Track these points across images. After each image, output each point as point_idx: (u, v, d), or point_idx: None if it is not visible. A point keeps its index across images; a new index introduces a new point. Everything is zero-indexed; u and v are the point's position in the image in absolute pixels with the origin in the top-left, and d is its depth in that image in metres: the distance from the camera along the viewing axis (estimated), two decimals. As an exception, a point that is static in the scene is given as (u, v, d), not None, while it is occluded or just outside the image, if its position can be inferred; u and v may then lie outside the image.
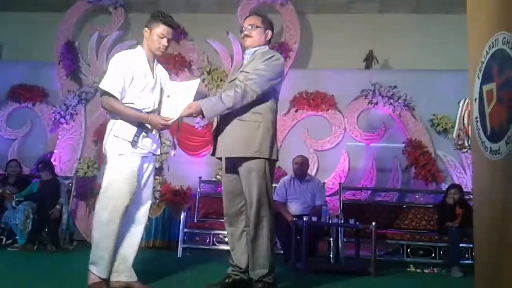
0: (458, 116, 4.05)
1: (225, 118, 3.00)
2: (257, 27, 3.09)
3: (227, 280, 3.04)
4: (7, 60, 7.33)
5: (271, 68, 2.98)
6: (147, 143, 2.99)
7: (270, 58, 3.00)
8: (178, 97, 2.99)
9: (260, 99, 2.96)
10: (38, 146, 6.84)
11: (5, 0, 7.32)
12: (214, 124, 3.14)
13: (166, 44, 3.04)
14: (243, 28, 3.14)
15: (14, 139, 6.83)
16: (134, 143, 2.90)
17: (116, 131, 2.93)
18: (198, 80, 3.09)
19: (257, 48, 3.11)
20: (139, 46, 3.12)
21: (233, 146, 2.96)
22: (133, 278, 2.99)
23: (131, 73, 2.94)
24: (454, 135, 4.19)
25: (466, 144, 4.14)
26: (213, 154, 3.13)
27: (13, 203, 5.33)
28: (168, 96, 3.03)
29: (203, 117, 2.93)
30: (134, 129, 2.92)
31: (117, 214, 2.85)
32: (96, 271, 2.83)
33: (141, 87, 2.96)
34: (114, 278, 2.96)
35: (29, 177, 6.23)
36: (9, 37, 7.38)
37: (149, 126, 2.98)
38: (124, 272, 2.98)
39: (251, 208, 2.92)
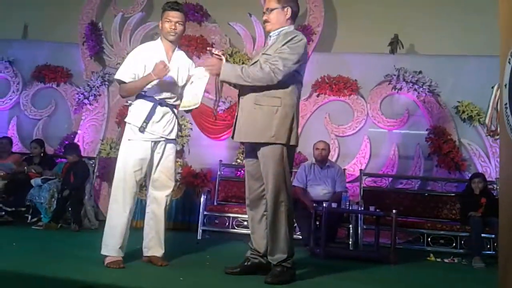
0: (492, 101, 3.92)
1: (244, 103, 3.00)
2: (273, 9, 3.02)
3: (246, 263, 3.08)
4: (32, 40, 7.41)
5: (295, 51, 2.91)
6: (157, 129, 3.13)
7: (292, 39, 2.92)
8: (197, 83, 3.09)
9: (280, 83, 2.91)
10: (62, 127, 6.93)
11: (30, -20, 7.38)
12: (238, 107, 3.13)
13: (174, 28, 3.15)
14: (264, 13, 3.09)
15: (39, 119, 6.94)
16: (142, 129, 3.08)
17: (128, 118, 3.17)
18: None
19: (280, 29, 3.04)
20: (158, 38, 3.29)
21: (250, 131, 2.96)
22: (158, 253, 3.20)
23: (143, 62, 3.11)
24: (487, 121, 4.07)
25: (498, 130, 4.04)
26: (233, 137, 3.15)
27: (40, 181, 5.44)
28: (192, 82, 3.11)
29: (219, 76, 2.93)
30: (143, 115, 3.08)
31: (128, 195, 3.07)
32: (107, 252, 3.02)
33: None
34: (144, 253, 3.23)
35: (54, 156, 6.35)
36: (34, 17, 7.44)
37: (166, 108, 3.15)
38: (153, 247, 3.21)
39: (268, 193, 2.93)
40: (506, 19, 2.29)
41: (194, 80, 3.14)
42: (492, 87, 3.48)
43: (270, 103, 2.91)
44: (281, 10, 3.02)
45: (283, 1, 3.02)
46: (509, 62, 2.18)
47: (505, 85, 2.21)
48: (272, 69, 2.85)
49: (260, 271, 3.04)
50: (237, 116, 3.10)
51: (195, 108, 3.15)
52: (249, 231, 3.19)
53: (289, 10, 3.02)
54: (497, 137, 3.79)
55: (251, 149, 3.04)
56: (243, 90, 3.01)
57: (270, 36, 3.11)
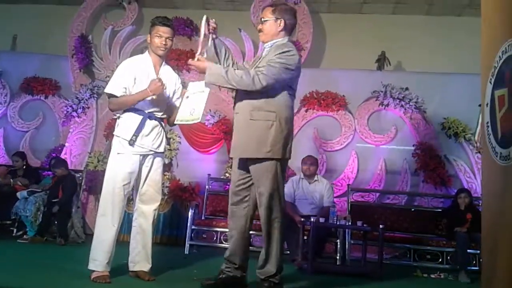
0: (480, 118, 4.01)
1: (239, 118, 3.00)
2: (266, 20, 3.04)
3: (220, 276, 3.05)
4: (21, 52, 7.39)
5: (284, 62, 2.91)
6: (146, 142, 3.14)
7: (284, 52, 2.93)
8: (194, 97, 3.09)
9: (273, 96, 2.93)
10: (50, 139, 6.90)
11: (20, -8, 7.38)
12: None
13: (164, 43, 3.19)
14: (258, 23, 3.13)
15: (26, 131, 6.89)
16: (132, 142, 3.07)
17: (117, 131, 3.15)
18: None
19: (274, 41, 3.04)
20: (146, 52, 3.30)
21: (244, 147, 2.95)
22: (145, 268, 3.17)
23: (133, 75, 3.13)
24: (476, 138, 4.14)
25: None
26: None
27: (26, 193, 5.38)
28: (187, 97, 3.12)
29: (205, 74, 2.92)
30: (132, 129, 3.08)
31: (116, 209, 3.05)
32: (95, 267, 2.99)
33: (144, 86, 3.11)
34: (130, 268, 3.20)
35: (38, 169, 6.29)
36: (23, 29, 7.45)
37: (155, 122, 3.16)
38: (140, 262, 3.18)
39: (262, 209, 2.92)
40: (487, 41, 2.36)
41: (190, 95, 3.13)
42: (480, 105, 3.55)
43: (265, 118, 2.91)
44: (274, 21, 3.03)
45: (277, 12, 3.03)
46: (490, 82, 2.24)
47: (486, 104, 2.27)
48: (257, 74, 2.86)
49: (235, 285, 3.03)
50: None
51: (195, 122, 3.11)
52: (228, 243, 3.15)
53: (282, 22, 3.02)
54: None
55: (243, 163, 3.03)
56: (239, 106, 3.01)
57: (264, 48, 3.13)
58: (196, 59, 3.02)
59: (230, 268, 3.05)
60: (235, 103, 3.08)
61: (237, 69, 3.06)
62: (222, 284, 3.02)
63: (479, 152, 4.35)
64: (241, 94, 2.99)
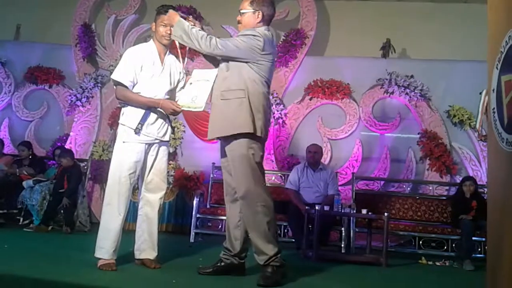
0: (481, 106, 3.99)
1: (213, 100, 3.01)
2: (244, 12, 3.06)
3: (219, 264, 3.08)
4: (25, 41, 7.39)
5: (241, 39, 2.94)
6: (152, 130, 3.14)
7: (245, 34, 2.96)
8: (199, 84, 3.11)
9: (241, 73, 2.93)
10: (55, 128, 6.92)
11: (23, -19, 7.36)
12: None
13: (169, 32, 3.16)
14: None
15: (31, 121, 6.92)
16: (137, 131, 3.07)
17: (122, 119, 3.14)
18: (216, 70, 3.14)
19: None
20: (151, 40, 3.30)
21: (216, 127, 2.97)
22: (151, 255, 3.19)
23: (140, 63, 3.13)
24: (477, 126, 4.13)
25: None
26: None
27: (31, 182, 5.41)
28: (191, 83, 3.13)
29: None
30: (138, 117, 3.08)
31: (122, 197, 3.05)
32: (101, 255, 3.01)
33: (150, 74, 3.14)
34: (136, 256, 3.21)
35: (44, 158, 6.32)
36: (26, 18, 7.43)
37: (161, 111, 3.14)
38: (146, 250, 3.20)
39: (240, 193, 2.91)
40: (493, 27, 2.33)
41: (193, 81, 3.14)
42: (480, 93, 3.53)
43: (235, 96, 2.91)
44: (252, 13, 3.05)
45: (255, 4, 3.04)
46: (496, 68, 2.22)
47: (493, 90, 2.24)
48: (215, 38, 2.90)
49: (233, 272, 3.06)
50: None
51: (198, 111, 3.11)
52: None
53: (260, 13, 3.04)
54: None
55: (223, 146, 3.04)
56: (214, 93, 3.02)
57: None
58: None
59: (227, 256, 3.07)
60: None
61: None
62: (219, 271, 3.05)
63: (482, 140, 4.33)
64: (217, 80, 3.02)
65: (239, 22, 3.11)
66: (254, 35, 2.94)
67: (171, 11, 3.08)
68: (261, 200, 2.88)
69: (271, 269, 2.86)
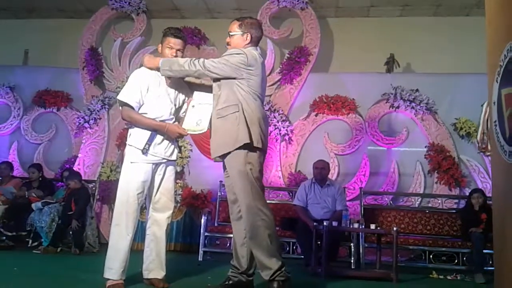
0: (482, 119, 3.99)
1: (212, 121, 3.05)
2: (233, 34, 3.14)
3: (227, 283, 3.07)
4: (33, 66, 7.51)
5: (225, 57, 3.01)
6: (159, 150, 3.17)
7: (228, 54, 3.04)
8: (201, 108, 3.16)
9: (232, 90, 2.98)
10: (63, 151, 6.99)
11: (31, 7, 7.51)
12: None
13: (175, 54, 3.23)
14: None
15: (40, 143, 6.99)
16: (145, 151, 3.10)
17: (130, 140, 3.17)
18: None
19: None
20: None
21: (216, 145, 3.01)
22: (159, 275, 3.19)
23: (146, 84, 3.16)
24: (478, 138, 4.14)
25: (489, 147, 4.09)
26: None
27: (40, 204, 5.44)
28: (193, 106, 3.17)
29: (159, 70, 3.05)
30: (145, 138, 3.11)
31: (130, 218, 3.06)
32: (110, 275, 3.01)
33: (156, 95, 3.18)
34: (145, 276, 3.22)
35: (53, 180, 6.37)
36: (35, 43, 7.58)
37: (166, 135, 3.16)
38: (154, 270, 3.20)
39: (241, 206, 2.92)
40: (492, 41, 2.35)
41: (195, 104, 3.19)
42: (482, 105, 3.53)
43: (230, 111, 2.96)
44: (241, 35, 3.13)
45: (244, 27, 3.13)
46: (496, 81, 2.24)
47: (494, 103, 2.26)
48: (201, 62, 2.98)
49: None
50: None
51: (202, 132, 3.17)
52: None
53: (249, 36, 3.13)
54: (488, 153, 3.84)
55: (224, 165, 3.07)
56: (212, 113, 3.07)
57: None
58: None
59: (236, 274, 3.07)
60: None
61: None
62: None
63: (482, 151, 4.31)
64: (214, 101, 3.07)
65: (228, 44, 3.18)
66: (237, 53, 3.01)
67: (146, 56, 3.21)
68: (261, 214, 2.88)
69: (277, 284, 2.84)
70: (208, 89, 3.20)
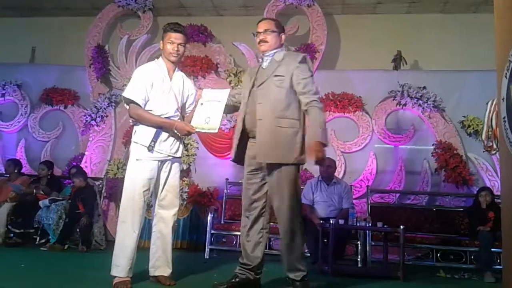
0: (486, 117, 3.97)
1: (263, 124, 3.02)
2: (272, 31, 3.15)
3: (234, 280, 3.08)
4: (40, 64, 7.54)
5: (310, 69, 3.11)
6: (165, 147, 3.16)
7: (304, 60, 3.08)
8: (210, 105, 3.15)
9: (295, 105, 3.04)
10: (70, 148, 7.01)
11: (38, 6, 7.53)
12: (239, 130, 3.16)
13: (176, 49, 3.22)
14: (258, 33, 3.18)
15: (47, 141, 7.02)
16: (150, 148, 3.09)
17: (135, 137, 3.16)
18: (228, 90, 3.22)
19: (274, 51, 3.17)
20: (160, 58, 3.32)
21: (273, 152, 2.99)
22: (166, 272, 3.20)
23: (151, 81, 3.15)
24: (483, 137, 4.11)
25: (494, 146, 4.05)
26: (236, 159, 3.20)
27: (48, 201, 5.47)
28: (202, 104, 3.16)
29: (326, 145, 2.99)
30: (151, 135, 3.10)
31: (136, 215, 3.06)
32: (117, 273, 3.01)
33: (160, 92, 3.16)
34: (151, 273, 3.22)
35: (61, 178, 6.39)
36: (41, 41, 7.61)
37: (175, 131, 3.15)
38: (160, 267, 3.21)
39: (283, 212, 2.99)
40: (501, 36, 2.32)
41: (204, 102, 3.18)
42: (487, 103, 3.50)
43: (290, 125, 3.01)
44: (278, 35, 3.18)
45: (280, 27, 3.21)
46: (505, 77, 2.21)
47: (503, 99, 2.23)
48: (312, 99, 2.99)
49: (249, 287, 3.07)
50: (242, 137, 3.15)
51: (212, 132, 3.17)
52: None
53: (283, 36, 3.23)
54: (493, 152, 3.82)
55: (260, 167, 3.08)
56: (262, 112, 3.04)
57: (264, 58, 3.21)
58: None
59: (243, 271, 3.09)
60: (256, 110, 3.08)
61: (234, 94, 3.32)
62: (235, 287, 3.04)
63: (488, 150, 4.28)
64: (264, 101, 3.04)
65: (264, 41, 3.16)
66: (306, 57, 3.13)
67: (315, 144, 2.90)
68: (300, 220, 3.06)
69: (304, 284, 3.01)
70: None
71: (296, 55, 3.21)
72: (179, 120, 3.19)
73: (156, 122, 3.12)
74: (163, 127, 3.12)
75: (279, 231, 3.04)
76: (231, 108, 3.35)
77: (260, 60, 3.27)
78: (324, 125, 2.98)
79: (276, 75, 3.07)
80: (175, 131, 3.13)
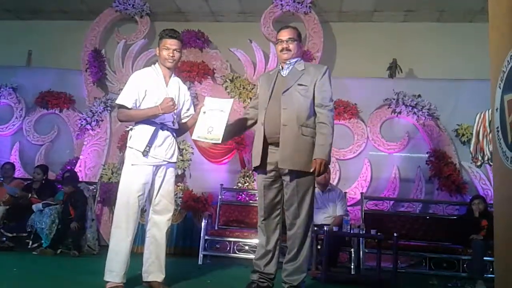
0: (475, 130, 3.99)
1: (287, 130, 3.04)
2: (294, 40, 3.21)
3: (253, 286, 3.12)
4: (36, 67, 7.53)
5: (330, 82, 3.18)
6: (159, 152, 3.16)
7: (327, 72, 3.17)
8: (213, 114, 3.12)
9: (311, 114, 3.09)
10: (65, 152, 6.99)
11: (35, 9, 7.54)
12: (260, 136, 3.15)
13: (172, 55, 3.22)
14: (281, 41, 3.21)
15: (42, 144, 7.00)
16: (145, 153, 3.10)
17: (130, 142, 3.16)
18: (232, 100, 3.22)
19: (295, 60, 3.23)
20: (156, 63, 3.33)
21: (296, 160, 3.02)
22: (159, 278, 3.18)
23: (144, 87, 3.16)
24: (471, 149, 4.13)
25: (480, 158, 4.07)
26: (260, 166, 3.15)
27: (41, 205, 5.45)
28: (204, 112, 3.14)
29: (329, 163, 3.07)
30: (146, 140, 3.10)
31: (131, 220, 3.06)
32: (111, 278, 3.00)
33: (155, 98, 3.16)
34: (144, 278, 3.20)
35: (55, 182, 6.37)
36: (38, 44, 7.60)
37: (167, 132, 3.18)
38: (153, 272, 3.19)
39: (299, 219, 3.05)
40: (495, 47, 2.35)
41: (206, 111, 3.14)
42: (476, 116, 3.52)
43: (311, 135, 3.07)
44: (298, 43, 3.25)
45: (300, 37, 3.29)
46: (499, 87, 2.23)
47: (496, 109, 2.25)
48: (327, 112, 3.08)
49: None
50: (264, 144, 3.14)
51: (215, 143, 3.13)
52: (256, 255, 3.24)
53: (303, 46, 3.25)
54: (479, 164, 3.85)
55: (279, 174, 3.12)
56: (287, 119, 3.05)
57: (285, 66, 3.23)
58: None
59: (265, 279, 3.15)
60: (280, 116, 3.09)
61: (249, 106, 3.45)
62: None
63: (474, 162, 4.30)
64: (289, 107, 3.06)
65: (287, 49, 3.20)
66: (328, 69, 3.20)
67: (321, 162, 3.00)
68: (312, 228, 3.18)
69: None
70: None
71: (319, 66, 3.31)
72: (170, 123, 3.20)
73: (143, 114, 3.11)
74: (151, 114, 3.10)
75: (287, 239, 3.10)
76: (244, 127, 3.44)
77: (280, 67, 3.28)
78: (331, 145, 3.06)
79: (300, 84, 3.11)
80: (162, 112, 3.08)
